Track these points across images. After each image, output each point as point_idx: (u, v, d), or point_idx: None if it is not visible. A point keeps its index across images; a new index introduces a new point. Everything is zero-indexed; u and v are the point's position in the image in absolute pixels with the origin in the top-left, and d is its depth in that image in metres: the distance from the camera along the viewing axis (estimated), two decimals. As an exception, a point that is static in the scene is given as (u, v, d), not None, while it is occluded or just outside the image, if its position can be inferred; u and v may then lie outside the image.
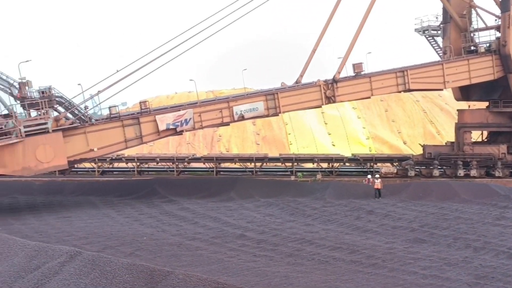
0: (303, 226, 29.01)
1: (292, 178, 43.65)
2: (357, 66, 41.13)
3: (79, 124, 35.89)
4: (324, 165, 46.23)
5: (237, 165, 47.50)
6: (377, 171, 43.28)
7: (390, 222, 29.51)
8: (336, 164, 45.88)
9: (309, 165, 48.25)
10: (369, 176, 40.42)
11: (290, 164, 45.52)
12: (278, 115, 41.93)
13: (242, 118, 40.16)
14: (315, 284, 17.67)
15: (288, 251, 23.09)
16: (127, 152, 45.78)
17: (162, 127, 37.60)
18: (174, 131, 38.52)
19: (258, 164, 46.05)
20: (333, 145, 63.15)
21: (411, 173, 43.23)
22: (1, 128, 33.65)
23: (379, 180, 37.78)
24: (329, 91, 40.95)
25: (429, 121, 68.98)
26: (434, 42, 47.28)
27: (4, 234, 14.85)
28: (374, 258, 21.62)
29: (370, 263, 20.77)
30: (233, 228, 28.47)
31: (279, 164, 47.31)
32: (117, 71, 36.19)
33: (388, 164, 47.14)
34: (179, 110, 38.50)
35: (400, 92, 43.22)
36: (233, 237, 26.22)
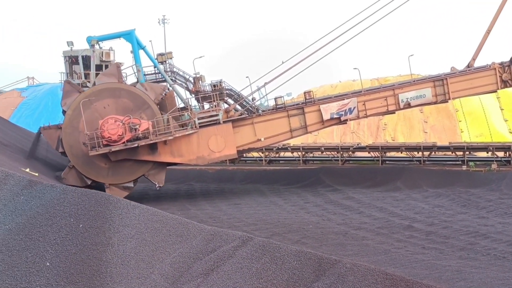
0: (477, 219, 27.32)
1: (464, 167, 41.27)
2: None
3: (247, 115, 37.43)
4: (500, 154, 42.96)
5: (403, 154, 46.07)
6: None
7: None
8: (514, 153, 42.41)
9: (482, 154, 45.18)
10: None
11: (461, 153, 43.02)
12: (447, 101, 39.95)
13: (408, 105, 38.91)
14: (491, 280, 16.56)
15: (460, 244, 21.93)
16: (292, 142, 46.77)
17: (326, 116, 37.78)
18: (338, 120, 38.49)
19: (426, 153, 44.25)
20: (511, 133, 58.41)
21: None
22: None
23: None
24: (505, 74, 38.05)
25: None
26: None
27: (184, 218, 16.04)
28: (560, 256, 19.69)
29: (556, 262, 18.95)
30: (400, 219, 27.75)
31: (449, 153, 44.95)
32: (283, 62, 37.09)
33: None
34: (343, 99, 38.37)
35: None
36: (400, 228, 25.57)
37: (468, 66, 39.28)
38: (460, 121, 60.62)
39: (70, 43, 37.14)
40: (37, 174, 26.94)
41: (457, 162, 42.81)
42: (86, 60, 36.84)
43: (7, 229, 15.41)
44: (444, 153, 46.01)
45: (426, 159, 44.00)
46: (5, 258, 14.60)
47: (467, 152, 43.19)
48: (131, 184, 35.50)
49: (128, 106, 34.65)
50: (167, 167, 39.00)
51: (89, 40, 37.34)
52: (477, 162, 41.77)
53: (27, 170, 27.29)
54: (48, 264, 14.40)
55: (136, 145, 34.10)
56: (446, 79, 38.31)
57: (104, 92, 34.88)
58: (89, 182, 34.77)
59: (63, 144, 34.67)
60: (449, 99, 38.89)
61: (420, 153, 44.23)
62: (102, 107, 34.63)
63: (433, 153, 44.79)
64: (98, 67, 36.86)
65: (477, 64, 39.30)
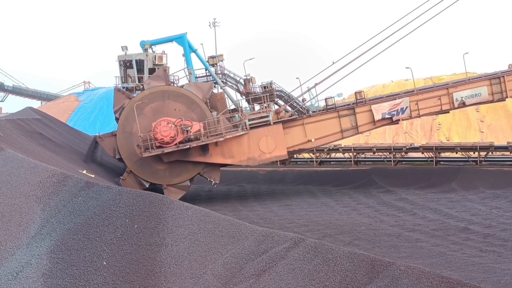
0: (537, 221, 26.34)
1: (523, 168, 39.88)
2: None
3: (297, 116, 37.38)
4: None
5: (458, 155, 44.91)
6: None
7: None
8: None
9: (542, 154, 43.53)
10: None
11: (520, 153, 41.60)
12: (504, 100, 38.72)
13: (463, 104, 37.98)
14: (554, 285, 15.94)
15: (520, 247, 21.20)
16: (343, 143, 46.37)
17: (377, 116, 37.30)
18: (390, 121, 37.93)
19: (483, 154, 42.98)
20: None
21: None
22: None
23: None
24: None
25: None
26: None
27: (236, 219, 16.16)
28: None
29: None
30: (456, 221, 27.06)
31: (507, 153, 43.52)
32: (333, 63, 36.87)
33: None
34: (395, 99, 37.79)
35: None
36: (456, 230, 24.92)
37: (527, 63, 37.97)
38: (518, 120, 58.65)
39: (124, 48, 38.12)
40: (93, 176, 27.70)
41: (516, 163, 41.42)
42: (140, 64, 37.71)
43: (66, 229, 15.93)
44: (502, 153, 44.56)
45: (482, 159, 42.76)
46: (64, 257, 15.10)
47: (526, 152, 41.71)
48: (188, 183, 36.06)
49: (177, 107, 35.12)
50: (220, 168, 39.39)
51: (143, 44, 38.24)
52: (537, 162, 40.29)
53: (84, 171, 28.11)
54: (105, 263, 14.79)
55: (188, 146, 34.62)
56: (504, 76, 37.16)
57: (152, 96, 35.51)
58: (147, 185, 35.51)
59: (119, 150, 35.50)
60: (507, 97, 37.70)
61: (477, 153, 43.01)
62: (155, 110, 35.28)
63: (490, 153, 43.47)
64: (151, 71, 37.65)
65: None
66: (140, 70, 37.44)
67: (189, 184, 36.11)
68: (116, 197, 16.50)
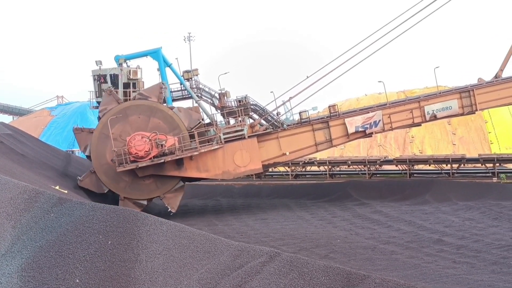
0: (509, 232, 26.70)
1: (494, 180, 40.55)
2: None
3: (272, 130, 37.51)
4: (532, 165, 42.17)
5: (431, 167, 45.50)
6: None
7: None
8: (545, 164, 41.56)
9: (513, 166, 44.38)
10: None
11: (492, 165, 42.31)
12: (474, 113, 39.50)
13: (434, 118, 38.60)
14: (526, 295, 16.17)
15: (492, 258, 21.45)
16: (319, 156, 46.61)
17: (351, 130, 37.67)
18: (363, 134, 38.31)
19: (455, 166, 43.63)
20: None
21: None
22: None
23: None
24: (534, 84, 37.43)
25: None
26: None
27: (211, 234, 16.08)
28: None
29: None
30: (430, 233, 27.32)
31: (479, 165, 44.25)
32: (307, 77, 37.15)
33: None
34: (368, 112, 38.22)
35: None
36: (430, 241, 25.16)
37: (495, 76, 38.80)
38: (489, 133, 59.71)
39: (98, 62, 37.85)
40: (66, 192, 27.33)
41: (487, 174, 42.10)
42: (114, 78, 37.48)
43: (37, 246, 15.63)
44: (473, 165, 45.30)
45: (455, 171, 43.38)
46: (35, 275, 14.80)
47: (498, 164, 42.45)
48: (144, 202, 36.15)
49: (160, 127, 35.26)
50: (195, 182, 39.32)
51: (117, 59, 38.03)
52: (508, 174, 40.98)
53: (57, 187, 27.72)
54: (77, 281, 14.54)
55: (162, 160, 34.48)
56: (473, 90, 37.90)
57: (141, 108, 35.55)
58: (105, 191, 35.49)
59: (91, 148, 35.52)
60: (476, 110, 38.46)
61: (449, 165, 43.63)
62: (136, 121, 35.41)
63: (462, 165, 44.14)
64: (126, 85, 37.44)
65: (505, 74, 38.77)
66: (114, 84, 37.17)
67: (146, 203, 36.12)
68: (89, 213, 16.27)
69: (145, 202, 36.13)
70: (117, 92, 37.00)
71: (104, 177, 35.60)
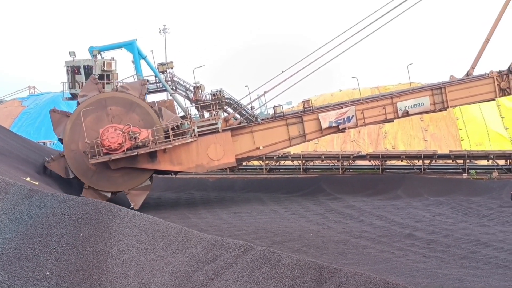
0: (478, 227, 27.28)
1: (465, 176, 41.25)
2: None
3: (246, 124, 37.51)
4: (501, 162, 42.95)
5: (404, 163, 46.05)
6: None
7: None
8: (514, 161, 42.37)
9: (483, 162, 45.16)
10: None
11: (462, 161, 43.04)
12: (445, 110, 40.10)
13: (406, 114, 39.04)
14: (493, 289, 16.53)
15: (461, 253, 21.88)
16: (292, 150, 46.75)
17: (324, 125, 37.90)
18: (337, 129, 38.58)
19: (427, 162, 44.25)
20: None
21: None
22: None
23: None
24: (503, 83, 38.23)
25: None
26: None
27: (184, 227, 16.03)
28: (562, 264, 19.64)
29: (557, 270, 18.90)
30: (401, 227, 27.70)
31: (450, 161, 44.95)
32: (282, 71, 37.20)
33: None
34: (342, 108, 38.49)
35: None
36: (401, 236, 25.52)
37: (467, 74, 39.39)
38: (460, 130, 60.63)
39: (72, 53, 37.32)
40: (37, 183, 26.93)
41: (458, 170, 42.80)
42: (88, 70, 37.03)
43: (7, 238, 15.38)
44: (444, 161, 46.00)
45: (426, 167, 44.00)
46: (5, 267, 14.57)
47: (468, 160, 43.19)
48: (108, 195, 35.86)
49: (137, 123, 34.95)
50: (166, 175, 39.14)
51: (91, 50, 37.55)
52: (478, 170, 41.74)
53: (28, 179, 27.29)
54: (48, 273, 14.36)
55: (135, 153, 34.24)
56: (445, 87, 38.43)
57: (121, 101, 35.20)
58: (71, 176, 35.19)
59: (64, 131, 35.11)
60: (447, 107, 39.02)
61: (421, 161, 44.22)
62: (112, 114, 35.06)
63: (433, 161, 44.79)
64: (100, 77, 37.01)
65: (476, 72, 39.40)
66: (88, 76, 36.68)
67: (109, 196, 35.79)
68: (61, 205, 16.06)
69: (108, 195, 35.60)
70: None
71: (72, 163, 35.09)
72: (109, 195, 35.67)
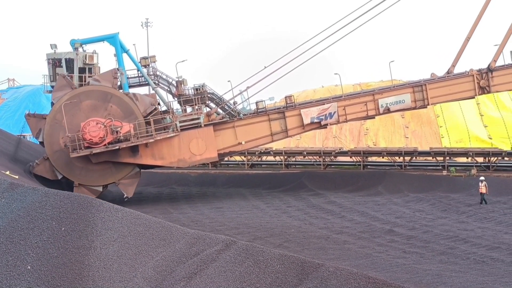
0: (457, 224, 27.68)
1: (444, 173, 41.75)
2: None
3: (228, 119, 37.51)
4: (480, 159, 43.55)
5: (385, 159, 46.45)
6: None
7: (556, 222, 27.12)
8: (493, 159, 43.01)
9: (462, 160, 45.75)
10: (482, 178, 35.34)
11: (442, 158, 43.55)
12: (426, 107, 40.50)
13: (387, 111, 39.37)
14: (471, 284, 16.80)
15: (440, 248, 22.20)
16: (275, 146, 46.87)
17: (306, 120, 38.06)
18: (319, 125, 38.76)
19: (407, 158, 44.69)
20: (490, 138, 59.16)
21: None
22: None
23: (484, 183, 33.69)
24: (483, 81, 38.73)
25: None
26: None
27: (167, 222, 16.03)
28: (538, 260, 20.03)
29: (533, 266, 19.27)
30: (381, 223, 27.98)
31: (430, 158, 45.45)
32: (265, 67, 37.23)
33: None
34: (324, 104, 38.67)
35: None
36: (382, 232, 25.79)
37: (447, 72, 39.83)
38: (440, 127, 61.28)
39: (53, 46, 36.93)
40: (17, 177, 26.67)
41: (438, 167, 43.29)
42: (70, 63, 36.69)
43: (-13, 232, 15.24)
44: (425, 158, 46.50)
45: (407, 164, 44.43)
46: (-15, 261, 14.44)
47: (448, 158, 43.70)
48: (100, 189, 35.72)
49: (116, 113, 34.82)
50: (149, 170, 38.93)
51: (73, 43, 37.19)
52: (457, 168, 42.26)
53: (7, 172, 27.01)
54: (29, 267, 14.27)
55: (117, 147, 34.07)
56: (425, 85, 38.81)
57: (95, 93, 34.99)
58: (59, 177, 34.96)
59: (44, 135, 34.86)
60: (428, 104, 39.41)
61: (402, 158, 44.65)
62: (89, 108, 34.86)
63: (414, 158, 45.23)
64: (82, 70, 36.70)
65: (456, 70, 39.85)
66: (69, 69, 36.34)
67: (101, 189, 35.76)
68: (42, 199, 15.96)
69: (100, 189, 35.65)
70: (71, 78, 36.25)
71: (57, 164, 34.93)
72: (100, 189, 35.56)
